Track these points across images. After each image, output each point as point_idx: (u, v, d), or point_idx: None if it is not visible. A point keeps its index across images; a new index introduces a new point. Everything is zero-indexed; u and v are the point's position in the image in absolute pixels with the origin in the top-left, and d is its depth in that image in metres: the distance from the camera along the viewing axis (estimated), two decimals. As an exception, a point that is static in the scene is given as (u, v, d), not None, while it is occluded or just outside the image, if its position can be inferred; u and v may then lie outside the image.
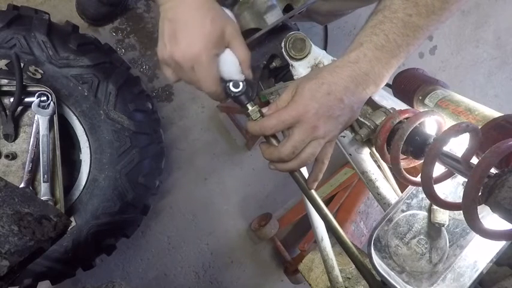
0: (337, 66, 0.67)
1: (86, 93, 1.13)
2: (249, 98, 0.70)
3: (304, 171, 0.80)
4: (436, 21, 0.67)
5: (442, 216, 0.68)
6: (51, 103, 1.08)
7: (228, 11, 0.72)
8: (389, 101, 0.75)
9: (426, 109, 0.87)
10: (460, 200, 0.51)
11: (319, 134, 0.65)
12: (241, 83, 0.69)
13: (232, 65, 0.69)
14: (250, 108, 0.69)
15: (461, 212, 0.52)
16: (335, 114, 0.65)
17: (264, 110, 0.70)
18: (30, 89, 1.08)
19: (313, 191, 0.74)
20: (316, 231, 1.04)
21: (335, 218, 0.76)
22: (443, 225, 0.69)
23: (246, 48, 0.70)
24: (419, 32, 0.67)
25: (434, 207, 0.69)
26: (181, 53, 0.65)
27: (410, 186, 0.67)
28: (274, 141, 0.70)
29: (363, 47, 0.66)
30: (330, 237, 1.06)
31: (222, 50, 0.68)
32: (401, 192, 0.74)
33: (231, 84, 0.69)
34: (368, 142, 0.76)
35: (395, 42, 0.66)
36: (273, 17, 0.86)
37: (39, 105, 1.07)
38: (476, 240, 0.71)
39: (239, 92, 0.69)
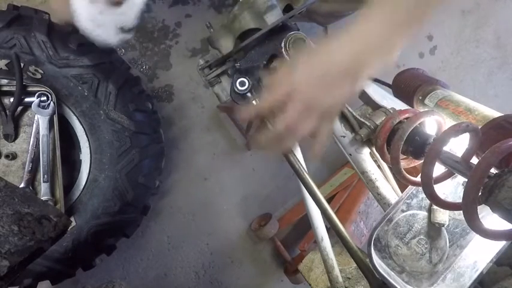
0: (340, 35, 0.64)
1: (86, 93, 1.12)
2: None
3: (300, 158, 0.81)
4: None
5: (442, 216, 0.68)
6: (51, 103, 1.08)
7: None
8: (389, 101, 0.75)
9: (426, 109, 0.87)
10: (460, 200, 0.51)
11: (315, 106, 0.64)
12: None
13: None
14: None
15: (461, 212, 0.52)
16: (332, 86, 0.63)
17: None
18: (30, 89, 1.08)
19: (308, 178, 0.74)
20: (316, 231, 1.04)
21: (335, 218, 0.76)
22: (443, 225, 0.69)
23: None
24: None
25: (434, 207, 0.69)
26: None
27: (410, 186, 0.67)
28: (269, 125, 0.72)
29: (365, 18, 0.62)
30: (330, 237, 1.06)
31: None
32: (401, 192, 0.74)
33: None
34: (368, 142, 0.76)
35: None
36: (273, 17, 0.86)
37: (39, 105, 1.07)
38: (476, 240, 0.71)
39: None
